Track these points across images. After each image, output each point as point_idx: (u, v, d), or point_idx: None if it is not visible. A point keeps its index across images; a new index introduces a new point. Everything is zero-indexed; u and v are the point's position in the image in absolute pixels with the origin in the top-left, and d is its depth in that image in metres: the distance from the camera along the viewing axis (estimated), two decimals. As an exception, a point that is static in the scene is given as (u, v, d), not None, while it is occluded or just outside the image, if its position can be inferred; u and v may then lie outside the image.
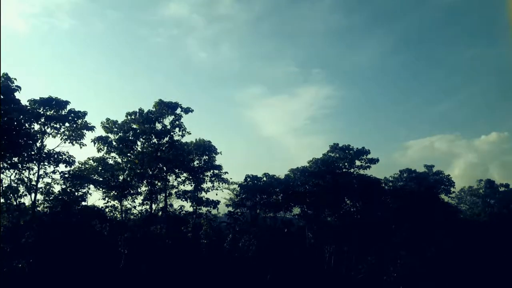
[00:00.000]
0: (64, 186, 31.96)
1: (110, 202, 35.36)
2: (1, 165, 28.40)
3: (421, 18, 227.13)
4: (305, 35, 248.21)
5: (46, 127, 30.94)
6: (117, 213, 35.68)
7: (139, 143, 36.80)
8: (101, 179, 34.92)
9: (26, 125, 29.94)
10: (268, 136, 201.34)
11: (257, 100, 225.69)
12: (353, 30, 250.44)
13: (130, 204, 36.15)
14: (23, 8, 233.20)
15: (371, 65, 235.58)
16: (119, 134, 35.98)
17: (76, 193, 32.40)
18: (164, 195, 37.69)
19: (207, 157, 40.82)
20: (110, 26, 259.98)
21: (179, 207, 38.32)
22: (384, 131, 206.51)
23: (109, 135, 35.95)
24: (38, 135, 30.56)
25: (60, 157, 30.87)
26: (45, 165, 30.73)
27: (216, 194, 41.68)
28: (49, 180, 31.41)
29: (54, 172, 31.19)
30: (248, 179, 43.77)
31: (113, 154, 35.85)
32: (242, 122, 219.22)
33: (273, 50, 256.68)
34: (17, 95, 29.27)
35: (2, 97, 27.74)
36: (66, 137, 31.45)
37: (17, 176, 30.07)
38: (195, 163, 40.56)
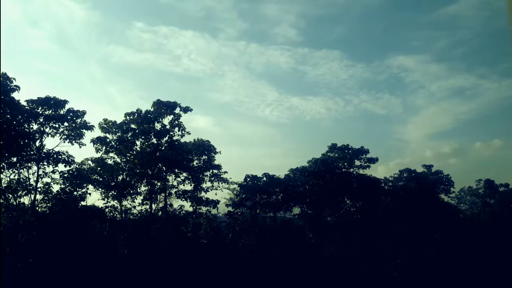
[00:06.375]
0: (63, 186, 31.91)
1: (110, 202, 35.32)
2: (1, 165, 28.38)
3: None
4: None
5: (45, 126, 30.96)
6: (116, 213, 35.60)
7: (138, 143, 36.84)
8: (100, 179, 34.90)
9: (25, 125, 29.96)
10: (407, 140, 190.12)
11: (430, 103, 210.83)
12: None
13: (130, 204, 36.08)
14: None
15: None
16: (118, 134, 36.02)
17: (75, 193, 32.36)
18: (163, 195, 37.65)
19: (206, 157, 40.85)
20: (386, 28, 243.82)
21: (179, 207, 38.29)
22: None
23: (107, 135, 35.99)
24: (37, 135, 30.55)
25: (59, 156, 30.84)
26: (44, 165, 30.71)
27: (216, 194, 41.79)
28: (48, 180, 31.40)
29: (53, 171, 31.14)
30: (248, 179, 43.80)
31: (111, 154, 35.90)
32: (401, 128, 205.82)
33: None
34: (16, 95, 29.41)
35: (1, 97, 27.78)
36: (65, 136, 31.46)
37: (16, 176, 30.08)
38: (194, 162, 40.56)
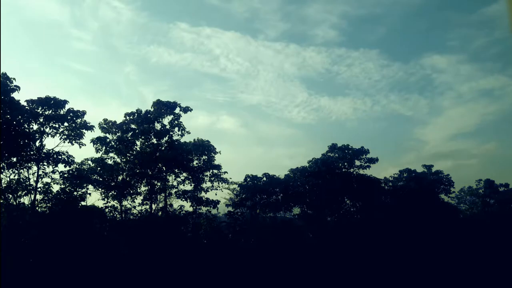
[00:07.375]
0: (63, 186, 31.88)
1: (110, 202, 35.30)
2: (1, 165, 28.37)
3: None
4: None
5: (45, 126, 30.93)
6: (117, 213, 35.59)
7: (138, 143, 36.83)
8: (100, 179, 34.89)
9: (25, 125, 29.95)
10: (427, 140, 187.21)
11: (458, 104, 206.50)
12: None
13: (130, 204, 36.08)
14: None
15: None
16: (118, 134, 36.01)
17: (75, 193, 32.34)
18: (163, 195, 37.62)
19: (206, 157, 40.80)
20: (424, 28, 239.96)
21: (179, 207, 38.24)
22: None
23: (107, 135, 35.98)
24: (37, 135, 30.54)
25: (59, 157, 30.83)
26: (44, 165, 30.70)
27: (216, 194, 41.76)
28: (48, 180, 31.39)
29: (53, 172, 31.13)
30: (248, 179, 43.79)
31: (111, 155, 35.89)
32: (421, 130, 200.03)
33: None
34: (16, 95, 29.40)
35: (1, 97, 27.78)
36: (65, 136, 31.44)
37: (16, 176, 30.05)
38: (194, 163, 40.52)
